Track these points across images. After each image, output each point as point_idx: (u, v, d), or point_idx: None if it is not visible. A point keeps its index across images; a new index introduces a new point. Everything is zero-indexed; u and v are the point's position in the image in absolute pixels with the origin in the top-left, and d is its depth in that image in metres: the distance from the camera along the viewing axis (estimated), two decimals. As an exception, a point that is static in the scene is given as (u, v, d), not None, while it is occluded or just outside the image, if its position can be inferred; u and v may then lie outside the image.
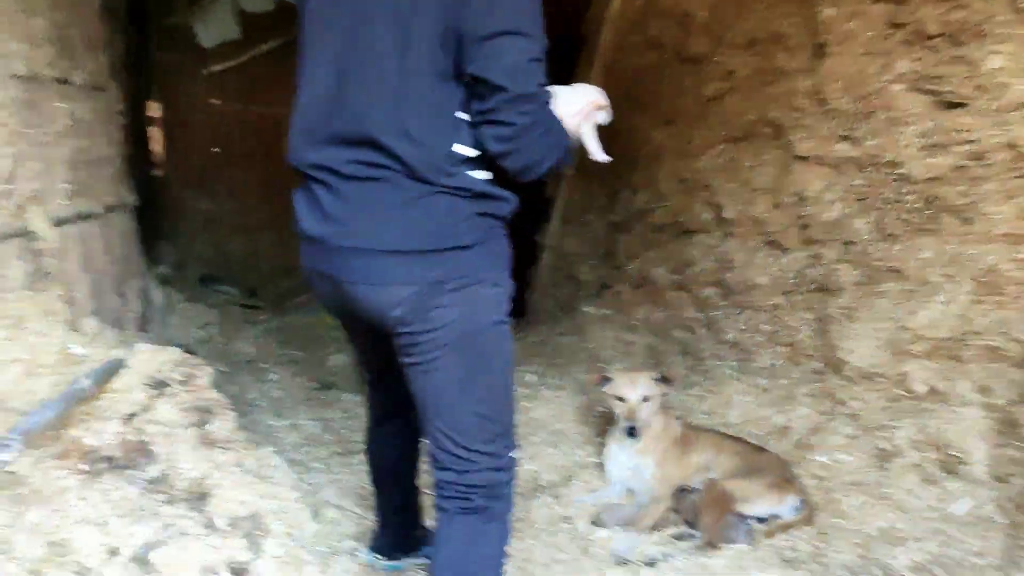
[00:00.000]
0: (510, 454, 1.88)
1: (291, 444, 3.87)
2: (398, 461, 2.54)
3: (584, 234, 5.75)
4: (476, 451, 1.81)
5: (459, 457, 1.82)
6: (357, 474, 3.44)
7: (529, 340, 5.67)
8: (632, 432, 3.20)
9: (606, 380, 3.36)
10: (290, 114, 1.81)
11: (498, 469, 1.85)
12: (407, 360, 1.80)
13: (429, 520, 2.98)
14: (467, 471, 1.82)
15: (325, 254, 1.76)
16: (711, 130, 4.54)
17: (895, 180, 3.38)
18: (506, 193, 1.76)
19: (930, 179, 3.19)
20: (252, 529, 2.31)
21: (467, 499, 1.83)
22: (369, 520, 2.99)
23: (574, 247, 5.90)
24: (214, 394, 2.78)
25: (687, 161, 4.67)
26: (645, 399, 3.24)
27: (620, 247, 5.39)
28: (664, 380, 3.32)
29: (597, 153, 1.86)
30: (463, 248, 1.68)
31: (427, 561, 2.67)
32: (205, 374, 2.84)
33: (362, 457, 3.66)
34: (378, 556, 2.71)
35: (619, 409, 3.29)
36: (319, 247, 1.77)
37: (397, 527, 2.68)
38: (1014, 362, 2.73)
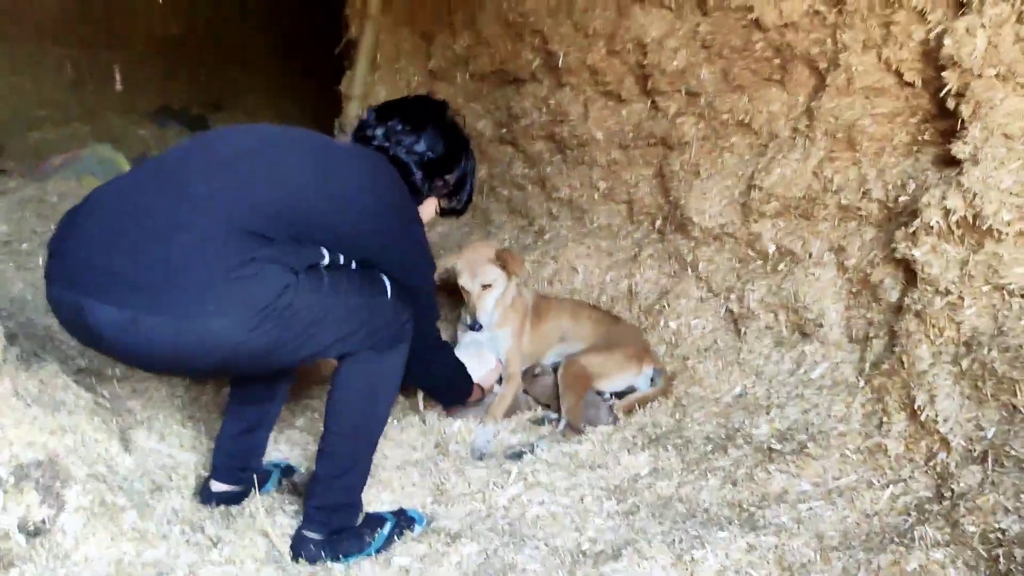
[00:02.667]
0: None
1: (76, 348, 3.18)
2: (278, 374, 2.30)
3: (396, 83, 5.15)
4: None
5: None
6: (164, 377, 2.92)
7: (340, 203, 5.14)
8: (475, 327, 2.95)
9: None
10: None
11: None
12: None
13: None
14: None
15: None
16: (538, -35, 4.06)
17: (743, 26, 3.15)
18: None
19: (782, 26, 2.98)
20: (47, 477, 1.91)
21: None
22: (197, 436, 2.55)
23: (385, 96, 5.30)
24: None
25: (512, 2, 4.17)
26: (485, 286, 2.96)
27: (438, 97, 4.88)
28: (503, 264, 3.02)
29: None
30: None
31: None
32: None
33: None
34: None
35: (464, 296, 3.00)
36: None
37: (242, 447, 2.29)
38: (869, 221, 2.70)
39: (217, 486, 2.29)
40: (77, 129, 6.97)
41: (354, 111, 5.37)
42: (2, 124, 6.63)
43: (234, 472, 2.29)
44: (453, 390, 2.66)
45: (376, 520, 2.17)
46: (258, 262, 1.70)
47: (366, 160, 2.08)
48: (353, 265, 2.00)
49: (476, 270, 2.97)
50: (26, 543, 1.83)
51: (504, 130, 4.44)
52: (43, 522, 1.84)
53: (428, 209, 2.33)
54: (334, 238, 1.91)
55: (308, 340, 1.85)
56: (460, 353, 2.84)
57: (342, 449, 2.09)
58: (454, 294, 3.34)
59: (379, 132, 2.16)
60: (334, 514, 2.08)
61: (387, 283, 2.03)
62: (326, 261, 1.90)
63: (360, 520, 2.16)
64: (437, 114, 2.23)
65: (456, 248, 3.09)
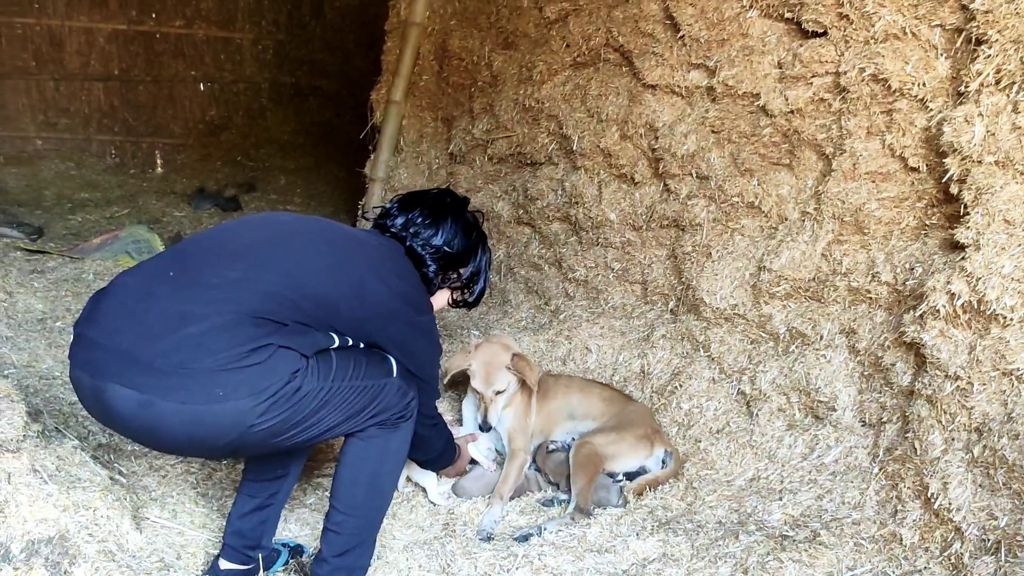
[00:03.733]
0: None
1: (99, 425, 3.25)
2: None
3: (417, 165, 5.31)
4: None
5: None
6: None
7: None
8: (485, 428, 2.97)
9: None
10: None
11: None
12: None
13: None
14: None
15: None
16: (554, 55, 4.21)
17: (751, 112, 3.23)
18: None
19: (788, 112, 3.06)
20: (56, 554, 1.93)
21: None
22: (208, 514, 2.56)
23: (406, 179, 5.45)
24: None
25: (529, 88, 4.32)
26: (499, 392, 2.98)
27: (459, 179, 5.02)
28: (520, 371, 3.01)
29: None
30: None
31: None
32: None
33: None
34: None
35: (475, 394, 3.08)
36: None
37: (253, 526, 2.29)
38: (879, 304, 2.70)
39: (225, 564, 2.29)
40: (117, 211, 7.23)
41: (377, 193, 5.52)
42: (47, 207, 6.90)
43: (243, 552, 2.30)
44: (441, 460, 2.67)
45: None
46: (269, 348, 1.75)
47: (382, 249, 2.15)
48: (361, 345, 2.04)
49: (491, 377, 2.95)
50: (33, 622, 1.84)
51: (522, 211, 4.53)
52: (53, 591, 1.85)
53: (440, 300, 2.38)
54: (345, 324, 1.96)
55: (317, 421, 1.89)
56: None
57: (348, 527, 2.10)
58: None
59: (399, 222, 2.25)
60: None
61: (393, 364, 2.07)
62: (336, 344, 1.95)
63: None
64: (456, 209, 2.32)
65: (473, 340, 3.12)
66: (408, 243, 2.23)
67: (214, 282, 1.81)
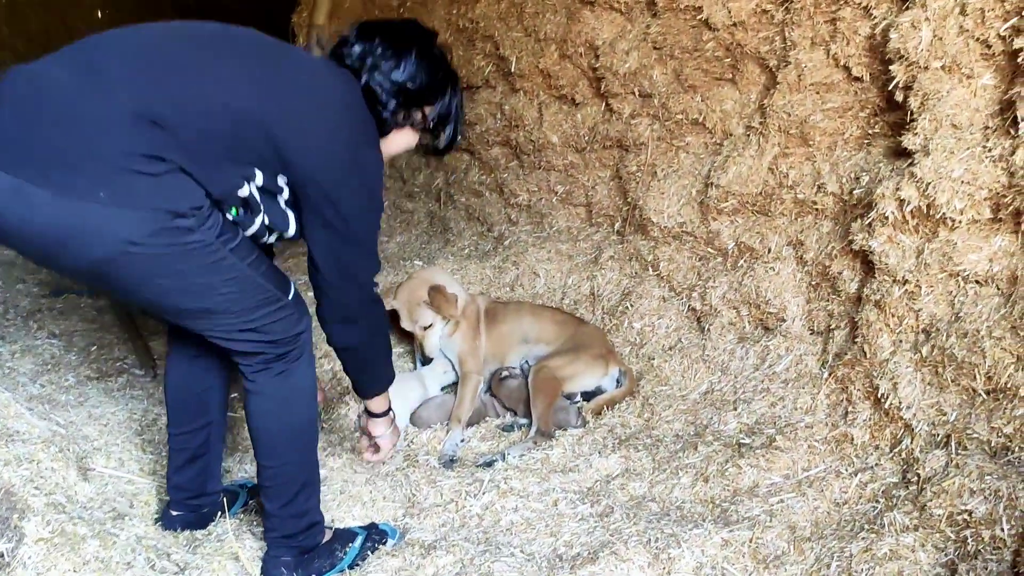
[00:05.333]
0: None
1: (28, 375, 3.07)
2: (206, 391, 2.14)
3: (347, 93, 5.10)
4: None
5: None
6: (121, 400, 2.84)
7: (297, 216, 5.06)
8: (425, 362, 3.05)
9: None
10: None
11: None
12: None
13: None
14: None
15: None
16: (482, -29, 4.05)
17: (693, 27, 3.18)
18: None
19: (731, 25, 3.02)
20: (4, 510, 1.85)
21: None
22: (157, 460, 2.48)
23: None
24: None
25: (462, 7, 4.16)
26: (427, 328, 3.01)
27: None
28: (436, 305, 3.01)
29: None
30: None
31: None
32: None
33: (123, 379, 2.96)
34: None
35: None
36: None
37: (192, 477, 2.19)
38: (825, 215, 2.74)
39: (175, 512, 2.22)
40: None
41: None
42: None
43: (187, 503, 2.20)
44: (374, 373, 2.19)
45: (347, 535, 2.13)
46: (167, 164, 1.55)
47: (331, 76, 1.87)
48: (282, 203, 1.83)
49: (414, 314, 3.02)
50: (-14, 579, 1.76)
51: (460, 137, 4.42)
52: (2, 556, 1.77)
53: (400, 140, 2.05)
54: (269, 152, 1.71)
55: (202, 292, 1.71)
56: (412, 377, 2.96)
57: (281, 477, 1.99)
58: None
59: (356, 51, 1.90)
60: (297, 538, 2.03)
61: (293, 286, 1.92)
62: (248, 194, 1.73)
63: (328, 536, 2.11)
64: (423, 42, 1.97)
65: (415, 270, 3.08)
66: (364, 79, 1.89)
67: (117, 76, 1.57)
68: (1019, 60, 2.04)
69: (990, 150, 2.06)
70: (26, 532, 1.82)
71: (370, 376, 2.17)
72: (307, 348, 1.96)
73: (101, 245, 1.54)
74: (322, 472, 2.56)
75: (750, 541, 2.09)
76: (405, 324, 3.03)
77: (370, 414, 2.26)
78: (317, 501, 2.08)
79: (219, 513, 2.24)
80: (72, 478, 2.20)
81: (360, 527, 2.20)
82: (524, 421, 2.89)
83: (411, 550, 2.16)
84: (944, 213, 2.13)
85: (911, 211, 2.24)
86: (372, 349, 2.09)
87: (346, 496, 2.45)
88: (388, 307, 3.03)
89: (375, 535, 2.18)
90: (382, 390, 2.21)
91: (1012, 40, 2.05)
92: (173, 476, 2.18)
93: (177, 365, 2.12)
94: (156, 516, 2.27)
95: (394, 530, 2.24)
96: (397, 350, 3.38)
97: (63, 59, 1.61)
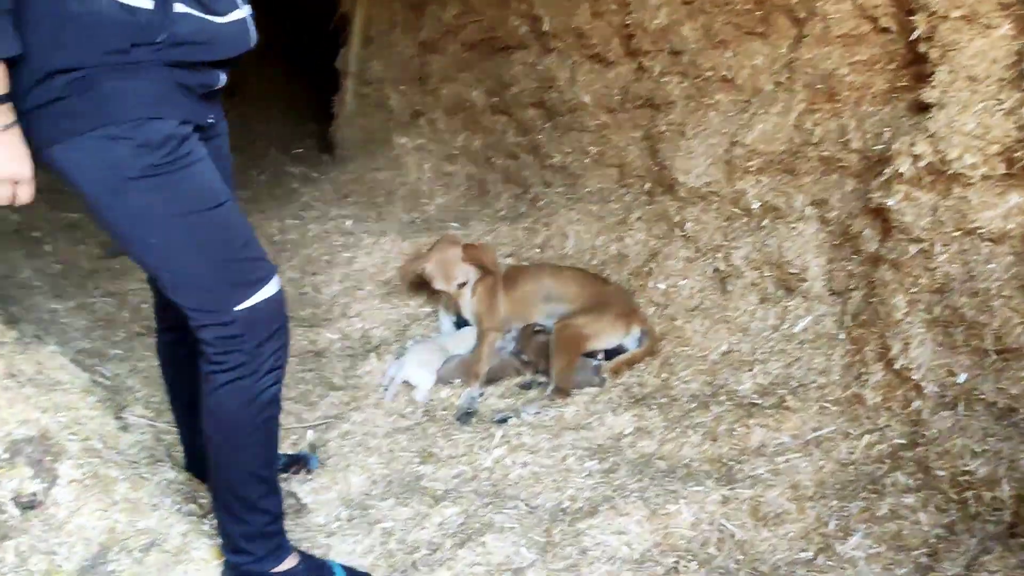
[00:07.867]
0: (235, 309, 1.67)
1: (80, 330, 3.26)
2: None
3: (390, 56, 5.15)
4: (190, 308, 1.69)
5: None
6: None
7: (341, 179, 5.18)
8: (463, 324, 3.06)
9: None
10: None
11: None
12: None
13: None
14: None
15: None
16: (518, -69, 4.01)
17: (721, -20, 3.10)
18: None
19: (760, -23, 2.94)
20: (39, 452, 1.96)
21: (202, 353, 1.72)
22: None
23: (380, 71, 5.31)
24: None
25: (497, -33, 4.15)
26: (461, 285, 3.04)
27: (432, 69, 4.89)
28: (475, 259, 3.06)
29: None
30: None
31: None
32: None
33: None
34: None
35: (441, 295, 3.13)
36: None
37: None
38: (849, 172, 2.67)
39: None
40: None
41: (351, 88, 5.40)
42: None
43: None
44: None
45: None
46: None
47: None
48: None
49: (450, 273, 3.03)
50: (20, 515, 1.91)
51: (496, 99, 4.43)
52: (35, 495, 1.90)
53: None
54: None
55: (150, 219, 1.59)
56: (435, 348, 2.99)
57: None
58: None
59: None
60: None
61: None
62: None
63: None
64: None
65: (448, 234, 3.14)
66: None
67: None
68: (1041, 8, 1.95)
69: (1002, 103, 1.98)
70: (60, 473, 1.94)
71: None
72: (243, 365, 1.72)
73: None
74: (344, 426, 2.69)
75: (751, 499, 2.11)
76: (439, 285, 3.08)
77: None
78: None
79: None
80: (111, 426, 2.33)
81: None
82: (543, 380, 2.93)
83: (421, 500, 2.25)
84: (956, 169, 2.06)
85: (925, 167, 2.17)
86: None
87: (364, 448, 2.55)
88: (419, 270, 3.11)
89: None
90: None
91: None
92: (181, 429, 2.31)
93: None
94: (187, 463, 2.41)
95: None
96: (424, 309, 3.47)
97: None
